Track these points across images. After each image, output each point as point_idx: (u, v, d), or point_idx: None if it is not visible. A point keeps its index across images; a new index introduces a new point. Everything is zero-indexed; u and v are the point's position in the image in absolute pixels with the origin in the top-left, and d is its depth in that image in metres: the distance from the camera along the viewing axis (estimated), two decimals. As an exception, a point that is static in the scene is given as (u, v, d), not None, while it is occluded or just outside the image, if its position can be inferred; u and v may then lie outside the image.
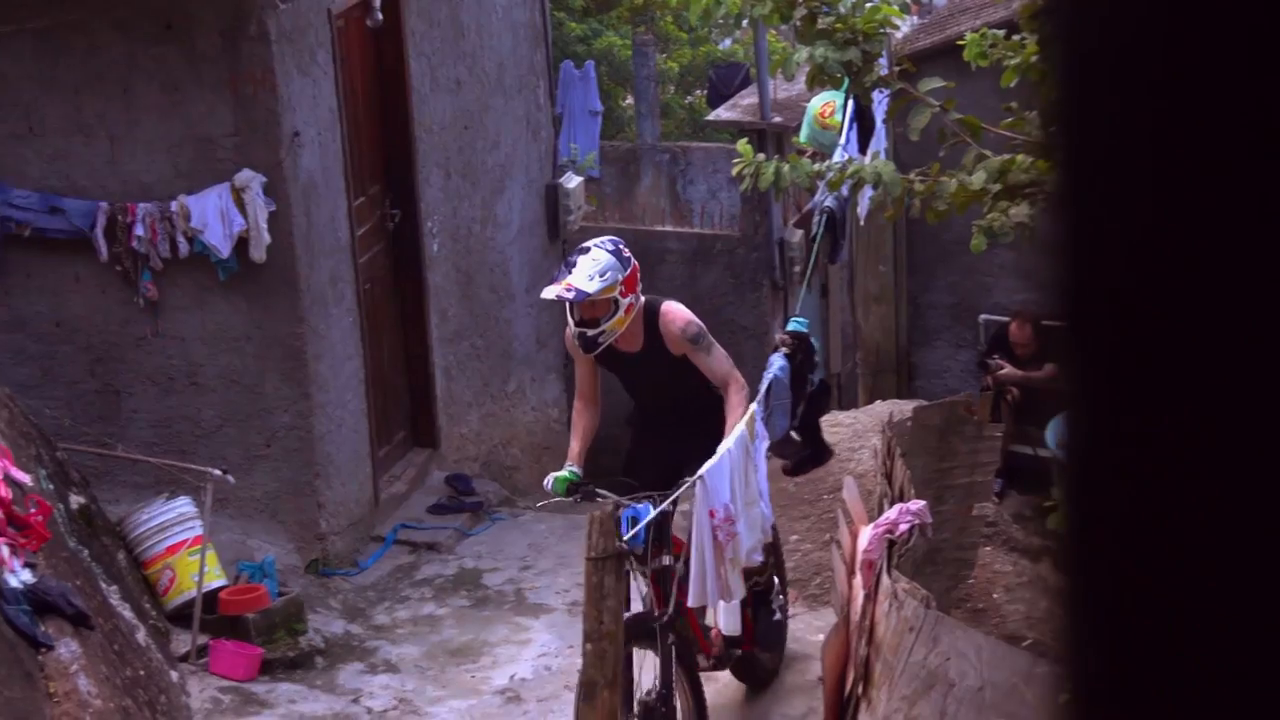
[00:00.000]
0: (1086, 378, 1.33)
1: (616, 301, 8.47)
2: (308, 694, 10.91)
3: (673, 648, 8.34)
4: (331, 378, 12.72)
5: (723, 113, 19.08)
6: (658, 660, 8.37)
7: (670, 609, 8.40)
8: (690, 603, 8.65)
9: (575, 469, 8.78)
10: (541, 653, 11.56)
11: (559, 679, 10.98)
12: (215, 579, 11.34)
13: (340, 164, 12.89)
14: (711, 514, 8.34)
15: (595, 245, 8.62)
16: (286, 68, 12.09)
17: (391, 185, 14.04)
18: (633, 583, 8.47)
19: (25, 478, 8.69)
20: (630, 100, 23.96)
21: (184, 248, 12.12)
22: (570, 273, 8.47)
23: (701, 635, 9.18)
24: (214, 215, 11.96)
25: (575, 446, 9.06)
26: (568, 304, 8.59)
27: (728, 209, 19.97)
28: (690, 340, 8.76)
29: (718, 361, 8.89)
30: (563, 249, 17.09)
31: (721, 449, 8.46)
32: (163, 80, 12.06)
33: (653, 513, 8.26)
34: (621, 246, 8.66)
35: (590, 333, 8.54)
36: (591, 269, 8.42)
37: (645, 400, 9.27)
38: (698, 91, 26.28)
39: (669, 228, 19.53)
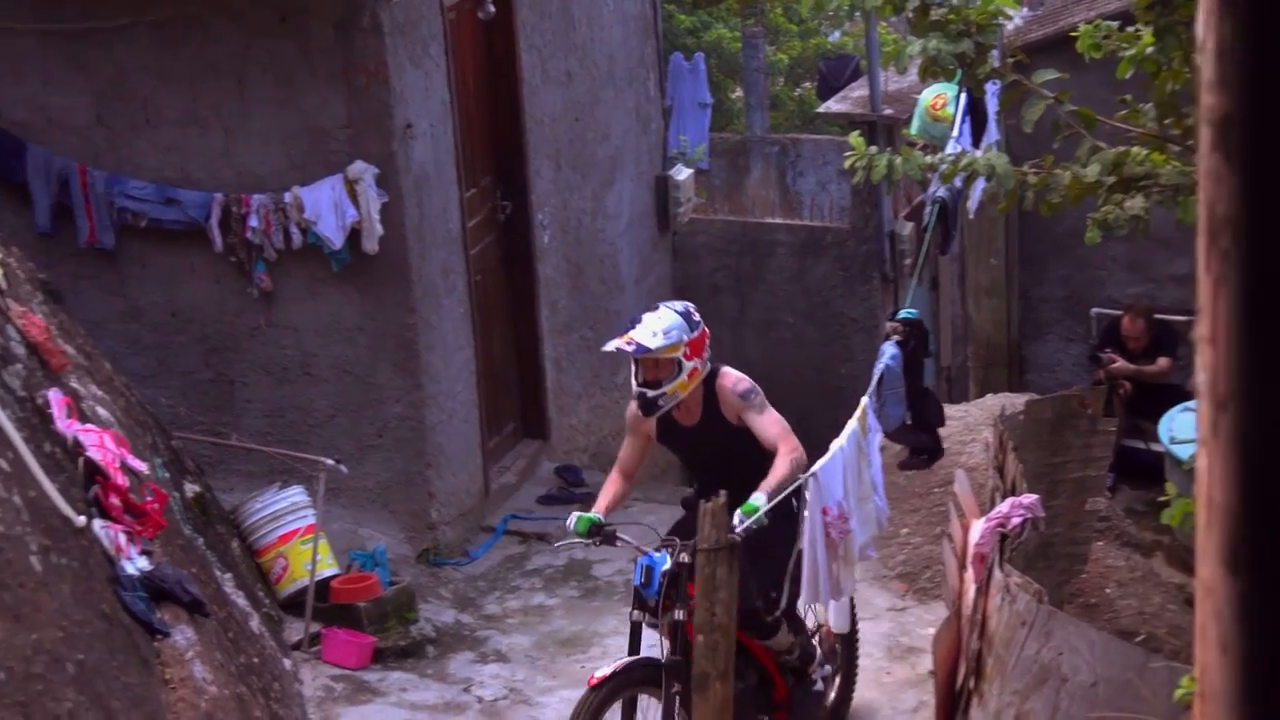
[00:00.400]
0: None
1: (680, 364, 8.24)
2: (419, 683, 10.97)
3: (676, 697, 8.10)
4: (443, 368, 12.77)
5: (833, 105, 19.00)
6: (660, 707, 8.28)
7: (677, 654, 8.18)
8: (802, 600, 8.62)
9: (599, 515, 8.60)
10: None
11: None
12: (327, 568, 11.42)
13: (452, 155, 12.94)
14: (824, 511, 8.30)
15: (665, 305, 8.44)
16: (399, 60, 12.15)
17: (502, 177, 14.08)
18: (644, 633, 8.49)
19: (142, 466, 8.77)
20: (740, 92, 23.92)
21: (297, 239, 12.21)
22: (635, 328, 8.28)
23: (779, 676, 8.96)
24: (327, 206, 12.04)
25: (603, 503, 8.78)
26: (632, 368, 8.42)
27: (837, 201, 19.91)
28: (740, 396, 8.42)
29: (769, 423, 8.45)
30: (672, 241, 17.10)
31: (834, 446, 8.42)
32: (277, 72, 12.15)
33: (669, 563, 8.18)
34: (692, 310, 8.43)
35: (651, 394, 8.31)
36: (656, 326, 8.21)
37: (703, 476, 8.81)
38: (807, 84, 26.22)
39: (778, 220, 19.48)
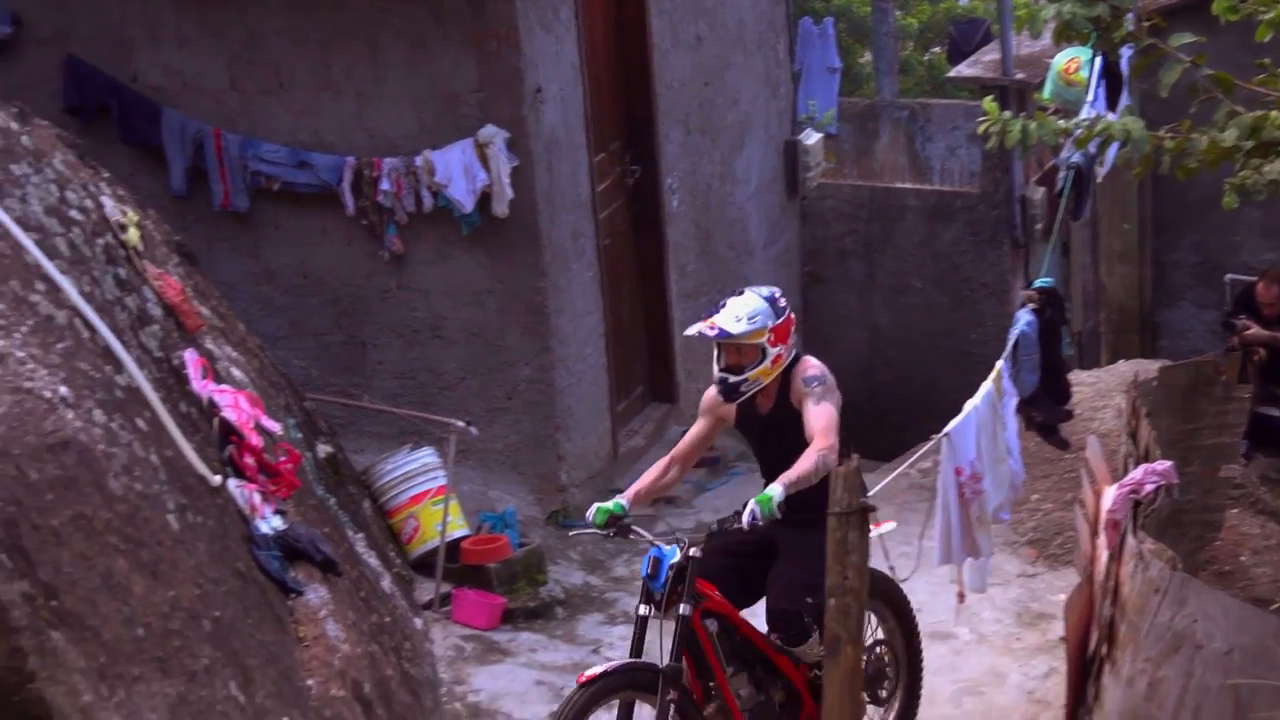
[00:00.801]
0: None
1: (764, 350, 7.99)
2: (548, 643, 11.00)
3: (671, 704, 7.70)
4: (571, 332, 12.79)
5: (964, 69, 18.84)
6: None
7: (679, 649, 7.78)
8: (936, 561, 8.55)
9: (624, 503, 8.19)
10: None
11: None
12: (458, 529, 11.47)
13: (581, 120, 12.94)
14: (958, 471, 8.25)
15: (751, 290, 8.19)
16: (530, 24, 12.15)
17: (631, 141, 14.06)
18: (648, 632, 7.98)
19: (275, 426, 8.83)
20: (869, 57, 23.79)
21: (428, 202, 12.25)
22: (719, 312, 8.06)
23: (807, 694, 8.37)
24: (458, 170, 12.08)
25: (638, 486, 8.43)
26: (715, 352, 8.16)
27: (967, 165, 19.76)
28: (803, 380, 8.06)
29: (818, 413, 8.01)
30: (801, 206, 17.03)
31: (968, 406, 8.34)
32: (409, 37, 12.18)
33: (678, 556, 7.82)
34: (778, 296, 8.16)
35: (733, 379, 8.05)
36: (740, 310, 7.98)
37: (769, 468, 8.30)
38: (936, 48, 26.03)
39: (907, 185, 19.36)
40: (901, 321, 17.69)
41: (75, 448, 6.45)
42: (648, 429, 14.13)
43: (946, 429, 8.27)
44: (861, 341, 17.89)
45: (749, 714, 8.14)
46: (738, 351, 7.98)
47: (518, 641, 10.93)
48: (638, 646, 7.94)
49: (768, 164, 16.24)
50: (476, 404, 12.53)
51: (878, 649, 8.81)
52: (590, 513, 8.16)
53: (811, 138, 16.69)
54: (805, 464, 7.80)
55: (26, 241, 7.21)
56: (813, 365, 8.09)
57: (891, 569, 8.21)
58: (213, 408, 8.28)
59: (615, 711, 7.93)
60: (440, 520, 11.30)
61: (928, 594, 10.51)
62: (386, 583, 10.06)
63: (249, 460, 8.25)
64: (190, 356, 8.39)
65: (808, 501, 7.79)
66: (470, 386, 12.68)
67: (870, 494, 7.70)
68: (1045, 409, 9.81)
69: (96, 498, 6.45)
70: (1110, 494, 8.53)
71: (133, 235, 8.39)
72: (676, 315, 14.44)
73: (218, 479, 7.78)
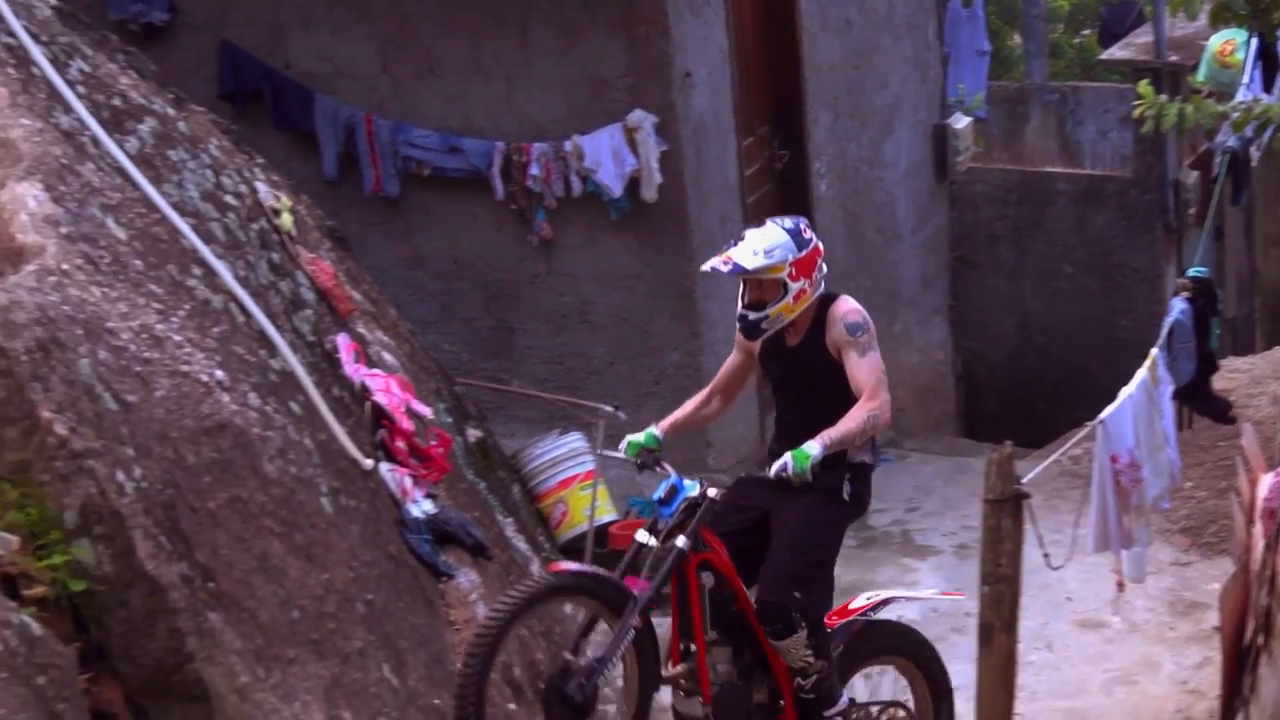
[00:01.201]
0: None
1: (785, 285, 7.24)
2: (698, 628, 10.97)
3: (631, 630, 6.90)
4: (720, 317, 12.74)
5: (1116, 51, 18.61)
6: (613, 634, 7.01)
7: (650, 591, 7.00)
8: (1090, 549, 8.41)
9: (657, 434, 7.62)
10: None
11: (946, 621, 10.86)
12: (606, 514, 11.47)
13: (730, 104, 12.89)
14: (1113, 459, 8.11)
15: (774, 221, 7.41)
16: (678, 8, 12.12)
17: (780, 125, 14.00)
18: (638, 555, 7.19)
19: (426, 411, 8.87)
20: (1018, 39, 23.55)
21: (577, 187, 12.26)
22: (736, 245, 7.34)
23: (790, 700, 7.51)
24: (607, 155, 12.07)
25: (675, 416, 7.88)
26: (741, 287, 7.42)
27: (1118, 149, 19.51)
28: (846, 328, 7.32)
29: (866, 366, 7.33)
30: (949, 190, 16.89)
31: (1123, 394, 8.21)
32: (559, 22, 12.19)
33: (695, 491, 7.18)
34: (803, 227, 7.40)
35: (753, 316, 7.33)
36: (758, 244, 7.25)
37: (786, 410, 7.68)
38: (1087, 30, 25.73)
39: (1058, 168, 19.15)
40: (1051, 307, 17.50)
41: (231, 431, 6.50)
42: (795, 414, 14.05)
43: (1102, 415, 8.13)
44: (1010, 327, 17.72)
45: (718, 691, 7.30)
46: (759, 287, 7.28)
47: (667, 626, 10.89)
48: (625, 572, 7.16)
49: (916, 148, 16.11)
50: (625, 389, 12.52)
51: (889, 711, 8.01)
52: (622, 444, 7.61)
53: (960, 121, 16.55)
54: (852, 422, 7.19)
55: (184, 226, 7.28)
56: (854, 309, 7.39)
57: (1046, 556, 8.09)
58: (365, 392, 8.33)
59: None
60: (588, 505, 11.30)
61: (1078, 582, 10.40)
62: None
63: (400, 444, 8.29)
64: (343, 341, 8.45)
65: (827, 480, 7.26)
66: (619, 371, 12.68)
67: (1024, 481, 7.60)
68: (1203, 398, 9.64)
69: (252, 481, 6.50)
70: (1266, 482, 8.36)
71: (286, 220, 8.45)
72: (824, 300, 14.34)
73: (370, 462, 7.82)
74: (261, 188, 8.37)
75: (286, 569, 6.47)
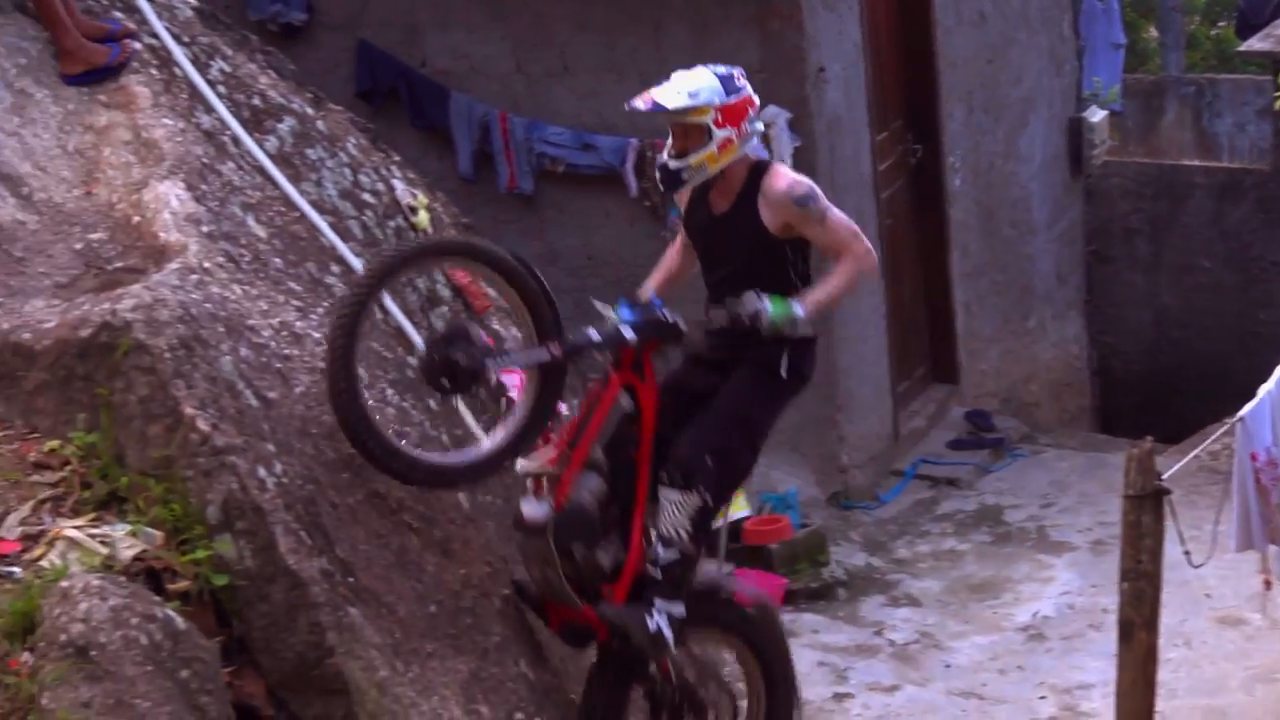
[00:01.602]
0: None
1: (709, 131, 6.51)
2: (830, 624, 10.94)
3: (544, 353, 6.59)
4: (853, 312, 12.69)
5: (1254, 43, 18.29)
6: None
7: (576, 341, 6.67)
8: (1233, 548, 8.27)
9: (654, 297, 7.00)
10: (1064, 590, 11.34)
11: (1083, 618, 10.78)
12: (740, 509, 11.42)
13: (864, 99, 12.82)
14: (1254, 457, 7.97)
15: (708, 66, 6.73)
16: (812, 4, 12.07)
17: (913, 120, 13.91)
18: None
19: (563, 408, 8.86)
20: (1154, 32, 23.29)
21: (711, 183, 12.23)
22: (657, 87, 6.67)
23: (630, 576, 6.70)
24: (741, 151, 12.03)
25: (652, 279, 7.27)
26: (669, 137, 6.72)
27: (1256, 142, 19.24)
28: (796, 202, 6.58)
29: (835, 229, 6.63)
30: (1085, 184, 16.71)
31: (1262, 391, 8.06)
32: (692, 19, 12.17)
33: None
34: (737, 74, 6.71)
35: (673, 164, 6.62)
36: (684, 85, 6.57)
37: (714, 284, 6.86)
38: (1223, 22, 25.38)
39: (1195, 162, 18.90)
40: (1188, 301, 17.27)
41: (370, 427, 6.52)
42: (929, 410, 13.98)
43: (1241, 413, 8.00)
44: (1146, 322, 17.50)
45: (571, 507, 6.61)
46: (685, 134, 6.57)
47: (800, 622, 10.87)
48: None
49: (1051, 142, 15.95)
50: (760, 384, 12.47)
51: (719, 690, 7.10)
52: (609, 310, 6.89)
53: (1096, 115, 16.37)
54: (837, 279, 6.60)
55: (322, 224, 7.32)
56: (794, 181, 6.65)
57: (1187, 553, 7.96)
58: (500, 389, 8.33)
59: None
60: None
61: (1217, 579, 10.25)
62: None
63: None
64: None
65: (744, 337, 6.62)
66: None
67: (1163, 477, 7.47)
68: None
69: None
70: None
71: (423, 218, 8.47)
72: (958, 295, 14.26)
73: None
74: (398, 185, 8.40)
75: (424, 564, 6.49)
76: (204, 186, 6.84)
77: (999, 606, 11.16)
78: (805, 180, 6.66)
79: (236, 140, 7.35)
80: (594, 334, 6.74)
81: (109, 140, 7.12)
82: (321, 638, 5.78)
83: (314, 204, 7.39)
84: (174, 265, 6.24)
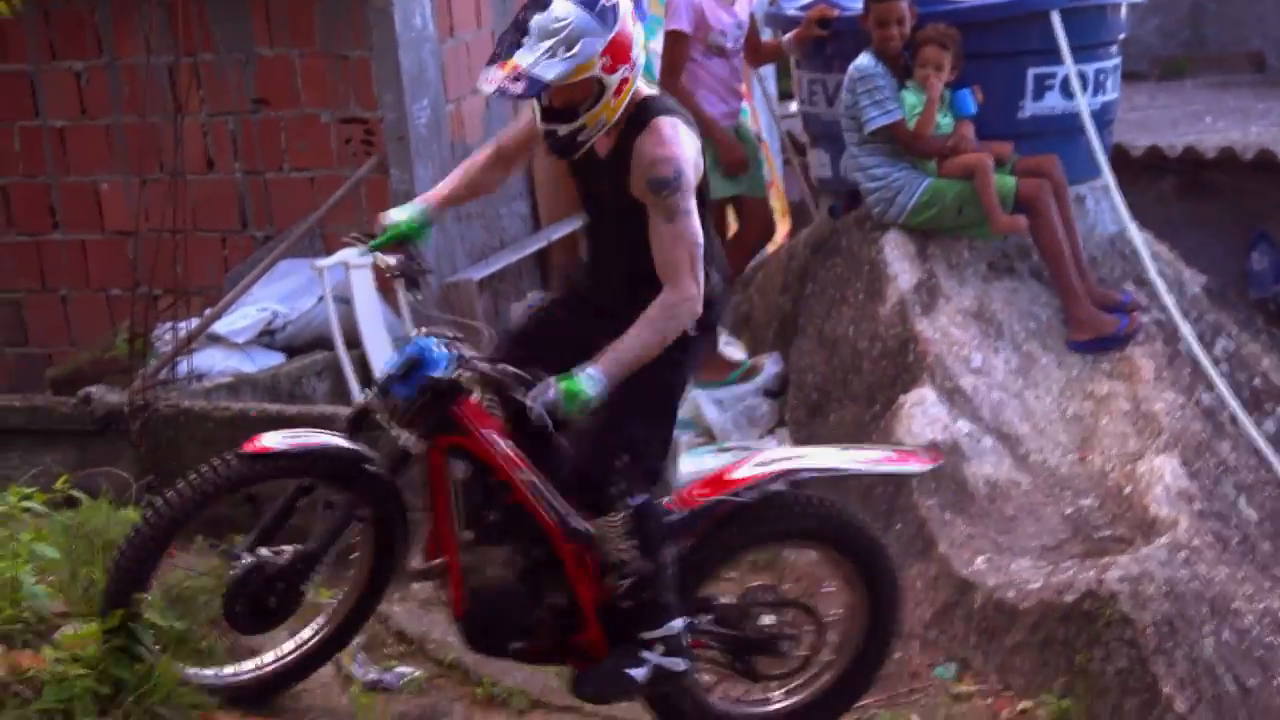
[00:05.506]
0: None
1: (601, 82, 5.01)
2: None
3: (351, 521, 5.09)
4: None
5: None
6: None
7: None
8: None
9: (423, 210, 5.33)
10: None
11: None
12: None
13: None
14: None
15: None
16: None
17: None
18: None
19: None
20: None
21: None
22: (518, 49, 4.96)
23: (592, 616, 5.25)
24: None
25: (442, 188, 5.49)
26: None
27: None
28: (651, 185, 5.02)
29: (671, 238, 5.03)
30: None
31: None
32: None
33: (444, 369, 4.97)
34: None
35: (564, 130, 5.06)
36: (547, 39, 4.93)
37: (598, 236, 5.47)
38: None
39: None
40: None
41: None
42: None
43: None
44: None
45: (472, 604, 5.20)
46: (566, 90, 5.02)
47: None
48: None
49: None
50: None
51: (779, 610, 5.55)
52: (385, 218, 5.31)
53: None
54: (643, 336, 4.99)
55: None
56: (667, 152, 5.02)
57: None
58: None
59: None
60: None
61: None
62: None
63: None
64: None
65: (634, 290, 5.11)
66: None
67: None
68: None
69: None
70: None
71: None
72: None
73: None
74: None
75: None
76: (1199, 464, 6.68)
77: None
78: (680, 154, 5.03)
79: (1234, 419, 7.14)
80: (362, 398, 5.17)
81: (1108, 409, 7.07)
82: None
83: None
84: (1163, 540, 6.07)
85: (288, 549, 4.96)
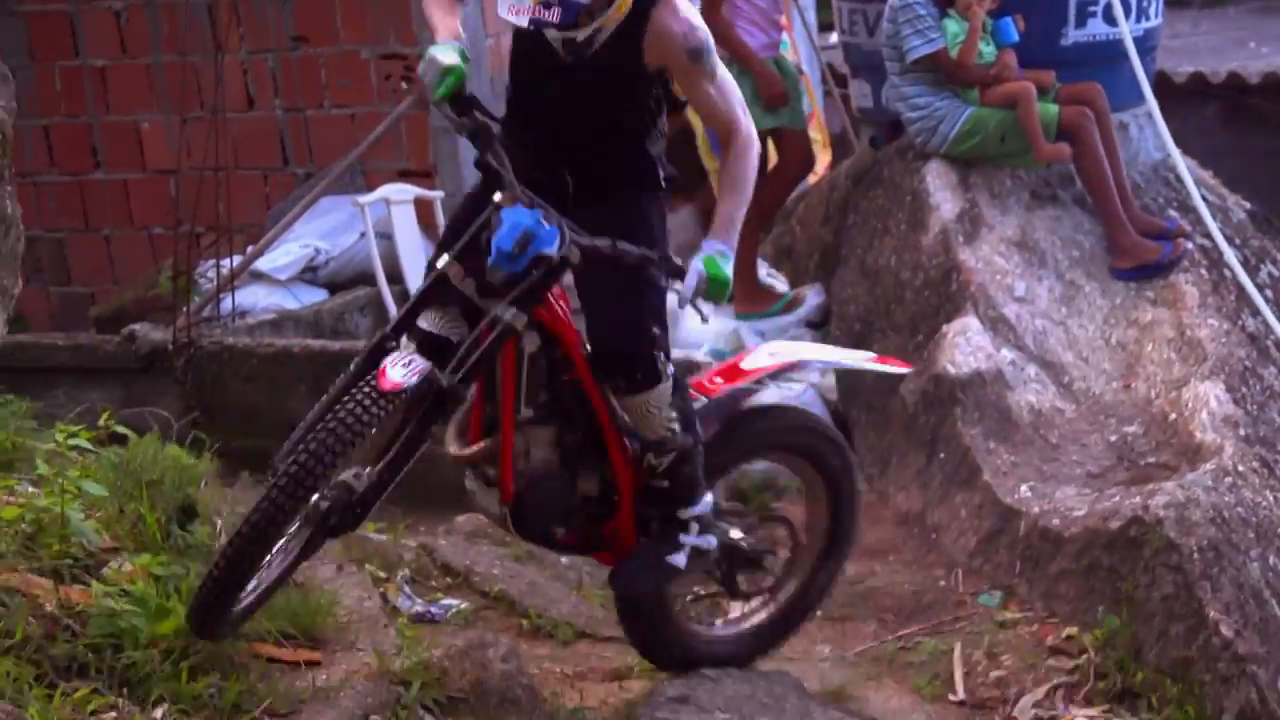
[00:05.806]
0: None
1: None
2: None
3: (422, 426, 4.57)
4: None
5: None
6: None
7: (455, 374, 4.56)
8: None
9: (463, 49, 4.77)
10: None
11: None
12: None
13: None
14: None
15: None
16: None
17: None
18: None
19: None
20: None
21: None
22: None
23: (629, 499, 5.08)
24: None
25: (450, 22, 4.85)
26: None
27: None
28: (691, 55, 4.80)
29: (724, 96, 4.88)
30: None
31: None
32: None
33: (556, 245, 4.63)
34: None
35: (581, 36, 4.71)
36: None
37: (541, 137, 4.95)
38: None
39: None
40: None
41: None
42: None
43: None
44: None
45: (525, 487, 4.96)
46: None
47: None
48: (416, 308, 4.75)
49: None
50: None
51: (761, 524, 5.54)
52: (432, 71, 4.68)
53: None
54: (736, 190, 4.87)
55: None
56: (691, 22, 4.82)
57: None
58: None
59: None
60: None
61: None
62: None
63: None
64: None
65: (614, 172, 4.94)
66: None
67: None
68: None
69: None
70: None
71: None
72: None
73: None
74: None
75: None
76: (1244, 390, 6.62)
77: None
78: (699, 22, 4.85)
79: (1279, 345, 7.08)
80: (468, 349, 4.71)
81: (1152, 336, 7.02)
82: None
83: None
84: (1209, 466, 6.03)
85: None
